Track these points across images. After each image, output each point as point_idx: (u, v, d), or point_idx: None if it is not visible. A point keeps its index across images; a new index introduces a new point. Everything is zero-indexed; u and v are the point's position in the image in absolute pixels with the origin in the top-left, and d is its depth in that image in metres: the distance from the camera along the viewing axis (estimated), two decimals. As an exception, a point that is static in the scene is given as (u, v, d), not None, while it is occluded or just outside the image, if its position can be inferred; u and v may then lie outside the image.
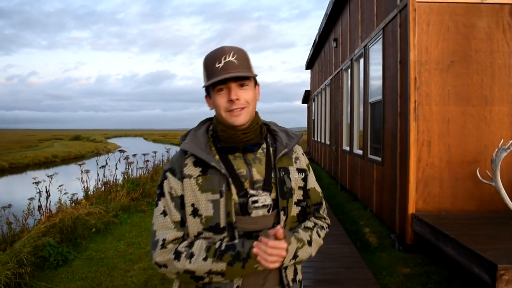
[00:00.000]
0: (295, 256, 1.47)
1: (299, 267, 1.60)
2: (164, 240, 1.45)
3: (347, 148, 9.84)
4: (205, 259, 1.40)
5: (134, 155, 11.13)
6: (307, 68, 20.87)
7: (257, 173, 1.50)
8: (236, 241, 1.43)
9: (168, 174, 1.52)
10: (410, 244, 5.15)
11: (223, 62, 1.44)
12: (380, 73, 6.59)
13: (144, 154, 11.82)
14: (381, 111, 6.51)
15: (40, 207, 6.65)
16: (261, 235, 1.39)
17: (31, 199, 6.37)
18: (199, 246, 1.43)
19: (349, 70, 9.54)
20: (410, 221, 5.05)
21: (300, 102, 27.21)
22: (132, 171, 10.44)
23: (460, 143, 5.04)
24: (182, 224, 1.48)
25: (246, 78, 1.47)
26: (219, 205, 1.44)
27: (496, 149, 4.54)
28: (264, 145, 1.57)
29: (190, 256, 1.42)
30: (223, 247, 1.41)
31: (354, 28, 8.98)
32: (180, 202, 1.49)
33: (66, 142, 52.68)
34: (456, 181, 5.04)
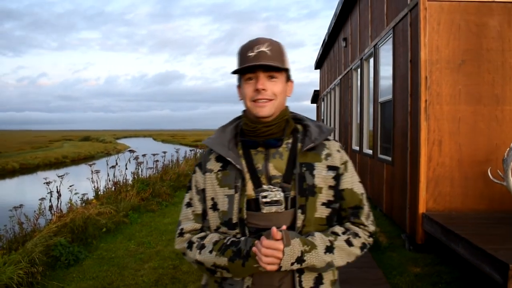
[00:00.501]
0: (300, 261, 1.37)
1: (327, 276, 1.48)
2: (182, 229, 1.53)
3: (357, 148, 9.82)
4: (210, 251, 1.43)
5: (144, 155, 11.19)
6: (316, 68, 20.84)
7: (274, 168, 1.45)
8: (243, 238, 1.42)
9: (196, 169, 1.57)
10: (421, 244, 5.13)
11: (255, 51, 1.42)
12: (390, 73, 6.56)
13: (154, 154, 11.87)
14: (391, 111, 6.49)
15: (51, 207, 6.70)
16: (263, 234, 1.35)
17: (42, 199, 6.42)
18: (210, 238, 1.46)
19: (359, 70, 9.52)
20: (420, 220, 5.02)
21: (309, 102, 27.19)
22: (142, 171, 10.50)
23: (471, 143, 5.01)
24: (203, 216, 1.52)
25: (276, 69, 1.44)
26: (233, 201, 1.44)
27: (508, 149, 4.50)
28: (290, 140, 1.51)
29: (201, 247, 1.45)
30: (228, 242, 1.42)
31: (364, 27, 8.96)
32: (203, 195, 1.52)
33: (76, 142, 53.12)
34: (466, 181, 5.01)
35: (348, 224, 1.51)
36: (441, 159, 5.01)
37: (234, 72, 1.49)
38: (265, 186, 1.43)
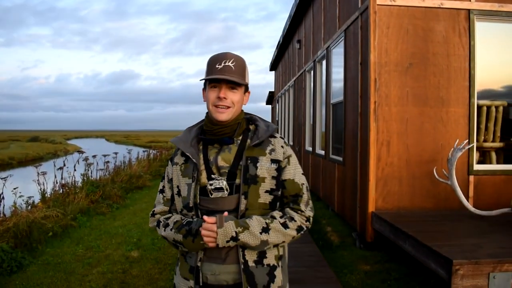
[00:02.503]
0: (234, 239, 1.65)
1: (271, 251, 1.75)
2: (154, 211, 1.89)
3: (310, 149, 9.94)
4: (171, 229, 1.75)
5: (94, 156, 10.86)
6: (271, 70, 20.97)
7: (222, 160, 1.75)
8: (196, 219, 1.72)
9: (169, 162, 1.90)
10: (371, 242, 5.24)
11: (222, 64, 1.72)
12: (341, 75, 6.68)
13: (105, 155, 11.55)
14: (342, 112, 6.60)
15: (-8, 211, 6.38)
16: (204, 217, 1.66)
17: (-18, 203, 6.10)
18: (173, 219, 1.79)
19: (312, 72, 9.64)
20: (370, 219, 5.13)
21: (264, 103, 27.32)
22: (92, 173, 10.18)
23: (418, 143, 5.17)
24: (171, 201, 1.86)
25: (237, 83, 1.73)
26: (191, 188, 1.74)
27: (452, 149, 4.68)
28: (240, 138, 1.79)
29: (165, 225, 1.79)
30: (184, 222, 1.73)
31: (317, 29, 9.08)
32: (171, 184, 1.85)
33: (23, 143, 50.84)
34: (414, 180, 5.17)
35: (287, 210, 1.77)
36: (389, 159, 5.15)
37: (203, 80, 1.79)
38: (213, 176, 1.72)
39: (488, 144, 5.47)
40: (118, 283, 4.58)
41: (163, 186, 1.89)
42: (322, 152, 8.34)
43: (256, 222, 1.68)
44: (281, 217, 1.73)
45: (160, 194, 1.90)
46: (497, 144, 5.50)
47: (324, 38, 8.22)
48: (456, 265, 3.09)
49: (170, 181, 1.85)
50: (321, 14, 8.48)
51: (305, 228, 1.77)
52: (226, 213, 1.67)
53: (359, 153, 5.60)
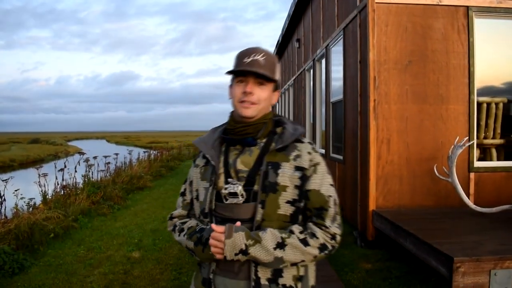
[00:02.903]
0: (244, 253, 1.48)
1: (289, 271, 1.54)
2: (172, 214, 1.79)
3: (310, 148, 9.92)
4: (184, 235, 1.65)
5: (95, 158, 10.86)
6: (270, 69, 20.94)
7: (241, 163, 1.60)
8: (209, 226, 1.57)
9: (192, 163, 1.79)
10: (372, 241, 5.24)
11: (251, 58, 1.58)
12: (341, 73, 6.68)
13: (105, 156, 11.55)
14: (342, 111, 6.60)
15: (-6, 213, 6.38)
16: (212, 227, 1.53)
17: (-17, 205, 6.10)
18: (188, 224, 1.69)
19: (312, 70, 9.64)
20: (371, 217, 5.13)
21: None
22: (92, 174, 10.18)
23: (418, 141, 5.17)
24: (191, 205, 1.75)
25: (265, 78, 1.58)
26: (208, 193, 1.61)
27: (452, 146, 4.68)
28: (265, 140, 1.63)
29: (180, 230, 1.69)
30: (197, 229, 1.62)
31: (316, 28, 9.08)
32: (191, 187, 1.75)
33: (24, 145, 50.89)
34: (414, 178, 5.17)
35: (309, 224, 1.55)
36: (389, 157, 5.14)
37: (229, 73, 1.63)
38: (230, 180, 1.58)
39: (489, 141, 5.47)
40: (119, 283, 4.59)
41: (184, 189, 1.78)
42: (323, 151, 8.34)
43: (270, 236, 1.49)
44: (300, 232, 1.52)
45: (181, 197, 1.79)
46: (498, 141, 5.50)
47: (323, 37, 8.22)
48: (457, 263, 3.09)
49: (191, 184, 1.74)
50: (320, 13, 8.47)
51: (330, 248, 1.54)
52: (238, 223, 1.51)
53: (359, 151, 5.60)
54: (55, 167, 8.81)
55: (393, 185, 5.16)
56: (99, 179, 10.48)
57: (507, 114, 5.63)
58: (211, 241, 1.51)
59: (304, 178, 1.56)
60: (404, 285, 4.27)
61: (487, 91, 5.49)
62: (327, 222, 1.54)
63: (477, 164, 5.24)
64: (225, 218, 1.57)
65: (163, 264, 5.21)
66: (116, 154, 13.02)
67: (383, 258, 5.00)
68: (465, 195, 4.59)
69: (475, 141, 5.19)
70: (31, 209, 7.09)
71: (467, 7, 5.21)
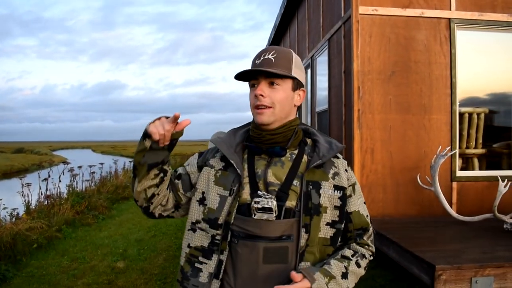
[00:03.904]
0: None
1: None
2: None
3: (297, 157, 9.96)
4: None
5: (80, 167, 10.77)
6: (257, 79, 21.03)
7: (272, 175, 1.45)
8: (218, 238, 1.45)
9: (195, 155, 1.62)
10: (356, 250, 5.25)
11: (261, 58, 1.44)
12: (326, 83, 6.74)
13: (90, 166, 11.46)
14: (327, 120, 6.66)
15: (-25, 224, 6.28)
16: None
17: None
18: None
19: (298, 80, 9.70)
20: (356, 226, 5.15)
21: (252, 112, 27.40)
22: (77, 184, 10.09)
23: (401, 150, 5.23)
24: (177, 176, 1.59)
25: (277, 76, 1.42)
26: (225, 202, 1.44)
27: (435, 156, 4.74)
28: (296, 151, 1.50)
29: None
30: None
31: (301, 38, 9.17)
32: (186, 175, 1.58)
33: (8, 155, 50.09)
34: (398, 187, 5.21)
35: (354, 246, 1.53)
36: (373, 167, 5.19)
37: (236, 77, 1.49)
38: (260, 192, 1.41)
39: (471, 151, 5.55)
40: (103, 294, 4.55)
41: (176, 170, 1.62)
42: (308, 160, 8.36)
43: (336, 268, 1.42)
44: (352, 256, 1.49)
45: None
46: (480, 151, 5.59)
47: (309, 47, 8.30)
48: (439, 271, 3.12)
49: (185, 171, 1.58)
50: (305, 24, 8.56)
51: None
52: (298, 275, 1.34)
53: (344, 160, 5.64)
54: (39, 177, 8.72)
55: (377, 194, 5.20)
56: (83, 189, 10.40)
57: (489, 124, 5.74)
58: None
59: (344, 198, 1.48)
60: (388, 294, 4.31)
61: (469, 101, 5.59)
62: (369, 241, 1.56)
63: (460, 173, 5.31)
64: (249, 234, 1.41)
65: (148, 274, 5.18)
66: (101, 163, 12.93)
67: (368, 267, 5.01)
68: (447, 204, 4.65)
69: (457, 150, 5.27)
70: (14, 219, 7.00)
71: (449, 19, 5.31)
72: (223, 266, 1.43)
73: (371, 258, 1.57)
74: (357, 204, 1.54)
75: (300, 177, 1.45)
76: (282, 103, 1.44)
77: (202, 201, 1.49)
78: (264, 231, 1.40)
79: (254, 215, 1.40)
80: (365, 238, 1.56)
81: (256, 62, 1.44)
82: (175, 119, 1.35)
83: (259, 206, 1.39)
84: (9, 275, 5.03)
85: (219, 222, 1.44)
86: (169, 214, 1.61)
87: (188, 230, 1.54)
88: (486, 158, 5.67)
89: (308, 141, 1.56)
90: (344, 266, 1.44)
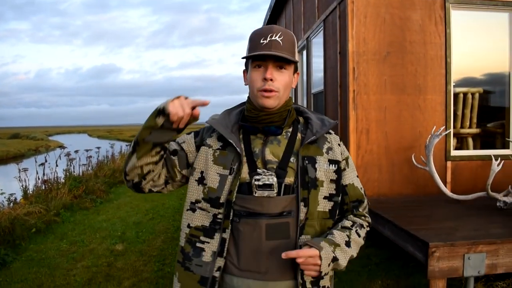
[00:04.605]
0: (334, 259, 1.41)
1: (329, 272, 1.49)
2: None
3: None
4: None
5: (76, 152, 10.78)
6: (253, 61, 20.92)
7: (270, 153, 1.48)
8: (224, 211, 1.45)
9: (191, 134, 1.59)
10: (352, 229, 5.32)
11: (268, 39, 1.42)
12: (321, 65, 6.73)
13: (87, 150, 11.47)
14: (323, 102, 6.67)
15: (-27, 209, 6.32)
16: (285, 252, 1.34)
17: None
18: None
19: (293, 62, 9.67)
20: (351, 206, 5.21)
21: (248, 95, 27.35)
22: (74, 168, 10.11)
23: (396, 130, 5.26)
24: (173, 152, 1.55)
25: (286, 61, 1.45)
26: (225, 181, 1.46)
27: (429, 136, 4.78)
28: (290, 129, 1.54)
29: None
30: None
31: (297, 20, 9.11)
32: (182, 152, 1.55)
33: (3, 141, 49.94)
34: (393, 167, 5.26)
35: (352, 217, 1.58)
36: (369, 147, 5.22)
37: (245, 58, 1.50)
38: (259, 170, 1.44)
39: (465, 131, 5.60)
40: (103, 276, 4.61)
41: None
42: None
43: (340, 237, 1.46)
44: (352, 226, 1.54)
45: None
46: (474, 130, 5.63)
47: (304, 29, 8.26)
48: (432, 248, 3.17)
49: (181, 148, 1.56)
50: (301, 5, 8.50)
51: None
52: (309, 241, 1.39)
53: (339, 141, 5.67)
54: (36, 162, 8.73)
55: (373, 174, 5.25)
56: (81, 173, 10.43)
57: (483, 104, 5.77)
58: (307, 260, 1.35)
59: (339, 172, 1.53)
60: (383, 271, 4.38)
61: (464, 81, 5.60)
62: (364, 212, 1.62)
63: (454, 153, 5.36)
64: (250, 212, 1.43)
65: (147, 256, 5.24)
66: (98, 148, 12.93)
67: (363, 246, 5.09)
68: (442, 183, 4.70)
69: (451, 130, 5.30)
70: (11, 204, 7.04)
71: (444, -2, 5.30)
72: (226, 244, 1.45)
73: (368, 228, 1.62)
74: (351, 177, 1.59)
75: (296, 154, 1.49)
76: (286, 87, 1.48)
77: (201, 181, 1.50)
78: (265, 208, 1.43)
79: (255, 192, 1.42)
80: (360, 209, 1.61)
81: (262, 42, 1.43)
82: (199, 103, 1.33)
83: (260, 183, 1.42)
84: (9, 259, 5.08)
85: (221, 201, 1.45)
86: (158, 190, 1.59)
87: (187, 210, 1.54)
88: (480, 137, 5.72)
89: (300, 119, 1.61)
90: (346, 235, 1.48)
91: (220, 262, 1.45)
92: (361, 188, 1.63)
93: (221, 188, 1.46)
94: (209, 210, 1.47)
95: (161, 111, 1.33)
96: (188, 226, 1.53)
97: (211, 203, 1.47)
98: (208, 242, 1.47)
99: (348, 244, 1.47)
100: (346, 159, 1.59)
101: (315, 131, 1.51)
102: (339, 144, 1.59)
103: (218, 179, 1.47)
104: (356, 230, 1.53)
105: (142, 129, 1.39)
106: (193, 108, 1.34)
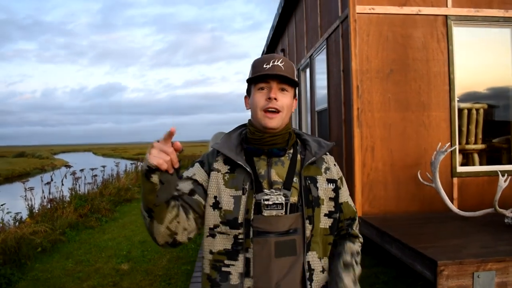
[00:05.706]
0: None
1: None
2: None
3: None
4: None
5: (82, 170, 10.81)
6: (257, 79, 21.00)
7: (276, 175, 1.53)
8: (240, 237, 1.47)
9: (197, 164, 1.59)
10: (359, 247, 5.28)
11: (271, 64, 1.52)
12: (325, 82, 6.77)
13: (92, 169, 11.50)
14: (327, 119, 6.69)
15: (-21, 229, 6.32)
16: None
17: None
18: None
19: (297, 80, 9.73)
20: (357, 224, 5.18)
21: (251, 112, 27.40)
22: (79, 187, 10.14)
23: (401, 148, 5.26)
24: (191, 192, 1.53)
25: (288, 83, 1.53)
26: (240, 201, 1.48)
27: (435, 152, 4.78)
28: (291, 151, 1.59)
29: None
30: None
31: (300, 38, 9.19)
32: (199, 187, 1.53)
33: (9, 159, 50.17)
34: (399, 184, 5.25)
35: (349, 244, 1.65)
36: (374, 164, 5.22)
37: (249, 81, 1.58)
38: (266, 191, 1.49)
39: (470, 146, 5.59)
40: (108, 296, 4.58)
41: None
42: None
43: (348, 280, 1.55)
44: (352, 258, 1.61)
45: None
46: (479, 146, 5.62)
47: (307, 47, 8.33)
48: (441, 266, 3.16)
49: (195, 182, 1.54)
50: (304, 23, 8.59)
51: None
52: None
53: (344, 159, 5.68)
54: (42, 181, 8.75)
55: (378, 192, 5.24)
56: (86, 192, 10.44)
57: (488, 120, 5.77)
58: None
59: (337, 190, 1.60)
60: (391, 290, 4.33)
61: (468, 97, 5.62)
62: (357, 231, 1.70)
63: (460, 169, 5.35)
64: (260, 231, 1.48)
65: (152, 275, 5.21)
66: (103, 166, 12.97)
67: (370, 264, 5.05)
68: (448, 200, 4.68)
69: (457, 146, 5.30)
70: (17, 223, 7.04)
71: (446, 16, 5.35)
72: (251, 263, 1.46)
73: (361, 247, 1.70)
74: (346, 196, 1.67)
75: (298, 174, 1.55)
76: (288, 109, 1.56)
77: (216, 205, 1.51)
78: (274, 227, 1.47)
79: (264, 212, 1.47)
80: (354, 227, 1.69)
81: (265, 66, 1.51)
82: (170, 135, 1.26)
83: (270, 202, 1.47)
84: (14, 279, 5.07)
85: (239, 221, 1.47)
86: (196, 233, 1.55)
87: (207, 236, 1.53)
88: (486, 153, 5.71)
89: (299, 141, 1.67)
90: (352, 274, 1.56)
91: (248, 282, 1.46)
92: (353, 206, 1.71)
93: (237, 208, 1.48)
94: (228, 232, 1.49)
95: (149, 171, 1.27)
96: (211, 252, 1.53)
97: (229, 225, 1.48)
98: (233, 265, 1.48)
99: (355, 283, 1.56)
100: (341, 178, 1.66)
101: (314, 152, 1.59)
102: (334, 164, 1.67)
103: (232, 201, 1.49)
104: (356, 262, 1.61)
105: (146, 196, 1.33)
106: (172, 143, 1.28)
